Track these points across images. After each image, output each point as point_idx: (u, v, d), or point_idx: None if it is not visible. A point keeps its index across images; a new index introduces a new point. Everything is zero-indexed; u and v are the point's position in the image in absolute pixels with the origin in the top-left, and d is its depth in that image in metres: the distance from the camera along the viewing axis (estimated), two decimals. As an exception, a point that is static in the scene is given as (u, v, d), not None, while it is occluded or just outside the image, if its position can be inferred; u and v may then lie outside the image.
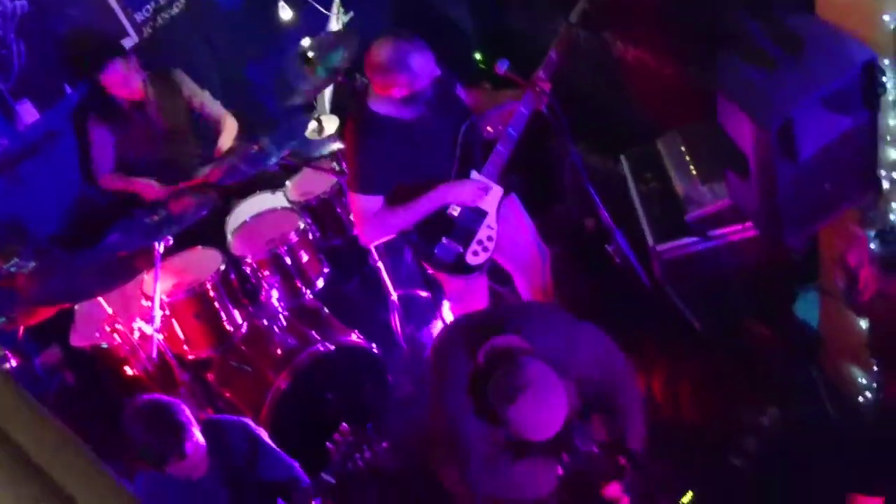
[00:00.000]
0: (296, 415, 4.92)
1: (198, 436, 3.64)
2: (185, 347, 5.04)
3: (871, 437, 3.80)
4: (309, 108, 5.89)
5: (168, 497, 3.77)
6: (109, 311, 4.78)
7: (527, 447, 3.35)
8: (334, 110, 5.73)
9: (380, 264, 5.53)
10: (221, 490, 3.80)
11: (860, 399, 4.51)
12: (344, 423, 3.67)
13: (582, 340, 3.60)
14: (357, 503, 5.04)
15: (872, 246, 3.84)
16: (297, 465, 4.03)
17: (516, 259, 4.79)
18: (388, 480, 5.02)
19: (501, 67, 4.18)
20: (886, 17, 3.27)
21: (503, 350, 3.32)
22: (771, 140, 3.21)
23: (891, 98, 3.44)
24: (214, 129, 5.79)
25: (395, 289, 5.57)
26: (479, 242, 4.45)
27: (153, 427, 3.60)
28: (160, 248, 4.71)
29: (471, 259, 4.45)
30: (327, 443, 3.65)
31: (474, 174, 4.42)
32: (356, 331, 5.25)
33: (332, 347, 4.98)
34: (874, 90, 3.34)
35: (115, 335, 4.81)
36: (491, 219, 4.46)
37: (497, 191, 4.45)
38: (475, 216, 4.43)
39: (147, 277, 4.91)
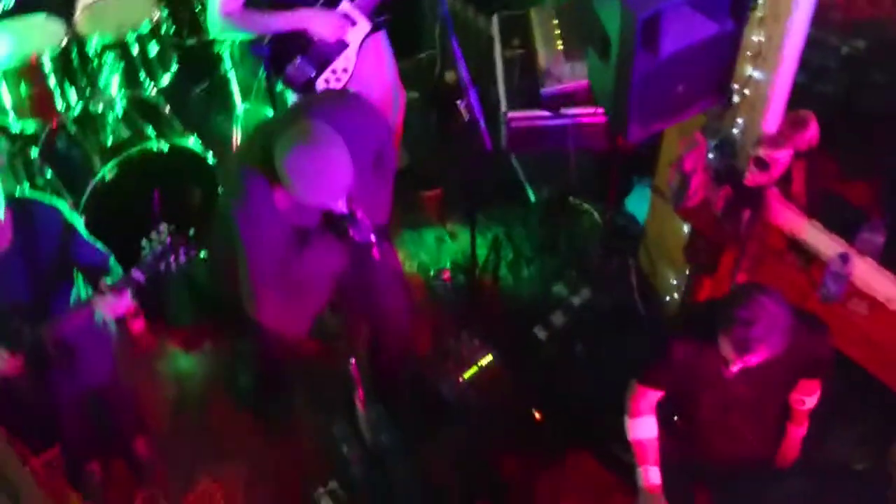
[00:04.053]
0: (116, 207, 4.78)
1: None
2: (11, 116, 4.79)
3: (665, 332, 3.96)
4: None
5: None
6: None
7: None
8: None
9: (231, 74, 5.36)
10: (22, 266, 3.66)
11: (667, 298, 4.70)
12: (163, 223, 3.55)
13: (362, 122, 3.69)
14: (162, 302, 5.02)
15: (710, 155, 3.94)
16: (109, 256, 3.92)
17: (370, 95, 4.70)
18: (197, 287, 5.01)
19: None
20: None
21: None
22: (637, 28, 3.20)
23: (759, 15, 3.47)
24: None
25: (242, 101, 5.42)
26: (334, 72, 4.35)
27: None
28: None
29: (321, 85, 4.35)
30: (143, 239, 3.54)
31: (345, 3, 4.28)
32: (195, 135, 5.09)
33: (166, 147, 4.83)
34: (744, 3, 3.36)
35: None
36: (351, 51, 4.36)
37: (364, 26, 4.33)
38: (336, 45, 4.32)
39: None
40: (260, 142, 3.48)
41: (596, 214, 5.17)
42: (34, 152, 4.99)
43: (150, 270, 3.47)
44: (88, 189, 4.71)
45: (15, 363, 3.56)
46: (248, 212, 3.54)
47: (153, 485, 4.52)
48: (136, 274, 3.47)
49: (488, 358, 4.60)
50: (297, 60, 4.31)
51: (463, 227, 5.26)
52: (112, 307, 3.53)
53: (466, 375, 4.54)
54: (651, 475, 3.53)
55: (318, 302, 4.05)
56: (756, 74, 3.58)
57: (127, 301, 3.56)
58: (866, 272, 3.76)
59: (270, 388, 4.79)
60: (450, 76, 5.51)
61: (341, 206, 3.45)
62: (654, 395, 3.54)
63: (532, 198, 5.29)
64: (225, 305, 4.91)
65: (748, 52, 3.57)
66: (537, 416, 4.53)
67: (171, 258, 3.46)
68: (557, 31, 4.50)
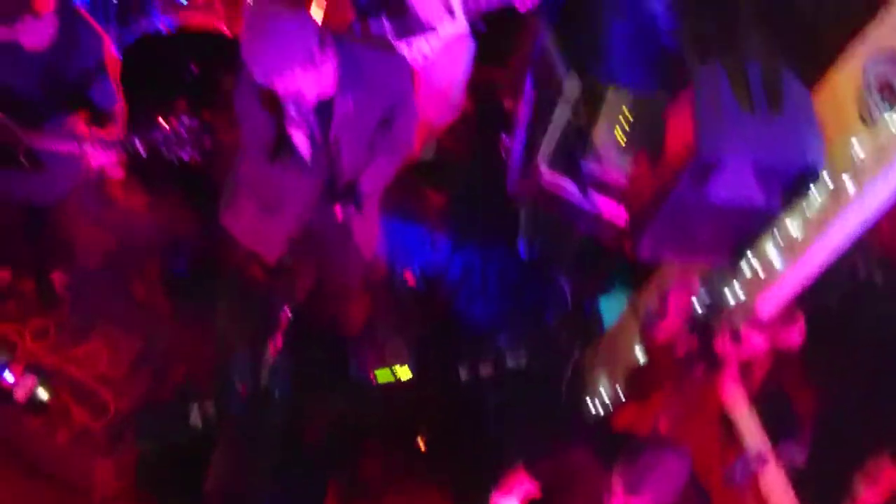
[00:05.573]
0: (154, 59, 4.76)
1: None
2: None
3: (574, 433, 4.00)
4: None
5: None
6: None
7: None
8: None
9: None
10: (44, 71, 3.60)
11: (590, 406, 4.72)
12: (187, 117, 3.49)
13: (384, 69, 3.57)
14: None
15: (696, 304, 3.97)
16: (116, 104, 3.86)
17: (432, 86, 4.69)
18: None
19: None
20: (854, 140, 3.29)
21: None
22: (694, 164, 3.23)
23: (805, 210, 3.49)
24: None
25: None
26: (409, 45, 4.34)
27: None
28: None
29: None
30: (160, 117, 3.49)
31: None
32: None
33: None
34: (798, 192, 3.38)
35: None
36: (435, 40, 4.38)
37: (461, 24, 4.35)
38: (425, 23, 4.32)
39: None
40: None
41: (569, 296, 5.19)
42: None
43: (150, 147, 3.44)
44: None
45: None
46: (241, 98, 3.50)
47: (50, 319, 4.50)
48: (137, 142, 3.44)
49: (406, 371, 4.61)
50: (381, 15, 4.28)
51: (447, 241, 5.27)
52: (97, 156, 3.51)
53: (379, 375, 4.56)
54: None
55: (288, 224, 3.98)
56: (775, 260, 3.61)
57: (113, 156, 3.55)
58: (773, 480, 3.80)
59: (203, 288, 4.77)
60: (508, 103, 5.50)
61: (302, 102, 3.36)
62: (529, 486, 3.55)
63: (521, 251, 5.30)
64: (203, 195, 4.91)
65: (778, 237, 3.59)
66: (421, 444, 4.56)
67: (176, 149, 3.44)
68: (623, 121, 4.51)
